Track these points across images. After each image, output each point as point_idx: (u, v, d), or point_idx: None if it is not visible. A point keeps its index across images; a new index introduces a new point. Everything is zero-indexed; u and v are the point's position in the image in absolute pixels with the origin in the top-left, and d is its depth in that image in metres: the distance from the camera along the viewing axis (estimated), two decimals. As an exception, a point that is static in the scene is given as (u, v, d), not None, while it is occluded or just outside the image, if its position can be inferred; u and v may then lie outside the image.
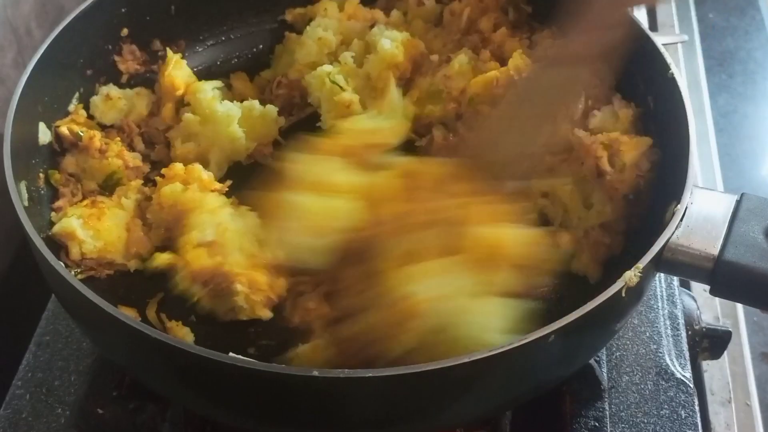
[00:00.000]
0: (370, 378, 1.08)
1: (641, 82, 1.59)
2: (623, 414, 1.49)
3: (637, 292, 1.25)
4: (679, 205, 1.28)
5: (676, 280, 1.71)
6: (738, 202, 1.30)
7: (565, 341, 1.16)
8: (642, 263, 1.21)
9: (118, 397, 1.46)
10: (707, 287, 1.58)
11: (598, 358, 1.53)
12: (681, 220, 1.27)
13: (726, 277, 1.25)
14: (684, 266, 1.28)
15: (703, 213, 1.29)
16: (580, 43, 1.38)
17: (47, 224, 1.52)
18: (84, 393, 1.48)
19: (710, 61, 2.47)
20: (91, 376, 1.50)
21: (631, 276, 1.19)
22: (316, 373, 1.08)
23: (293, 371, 1.12)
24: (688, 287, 1.83)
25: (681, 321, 1.64)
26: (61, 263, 1.24)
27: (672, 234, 1.25)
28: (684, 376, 1.54)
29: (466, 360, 1.08)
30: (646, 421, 1.48)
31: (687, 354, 1.59)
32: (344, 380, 1.09)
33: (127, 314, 1.18)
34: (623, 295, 1.19)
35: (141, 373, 1.35)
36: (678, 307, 1.66)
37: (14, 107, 1.43)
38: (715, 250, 1.26)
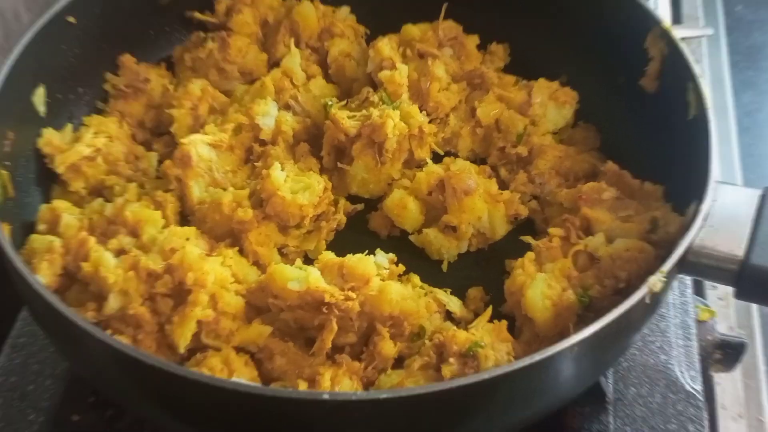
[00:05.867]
0: (386, 399, 1.04)
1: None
2: (628, 428, 1.42)
3: (659, 298, 1.21)
4: (702, 204, 1.22)
5: (689, 288, 1.64)
6: (762, 197, 1.25)
7: (586, 353, 1.12)
8: (666, 267, 1.16)
9: (95, 403, 1.40)
10: (722, 296, 1.53)
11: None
12: (704, 219, 1.22)
13: (752, 280, 1.21)
14: (708, 269, 1.24)
15: (726, 210, 1.25)
16: None
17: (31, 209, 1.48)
18: (59, 398, 1.41)
19: (736, 57, 2.37)
20: (67, 381, 1.43)
21: (655, 281, 1.15)
22: (326, 396, 1.05)
23: (302, 395, 1.11)
24: (703, 295, 1.76)
25: (693, 331, 1.57)
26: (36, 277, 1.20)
27: (695, 235, 1.20)
28: (694, 388, 1.47)
29: (486, 377, 1.05)
30: (652, 436, 1.41)
31: (698, 365, 1.52)
32: (357, 403, 1.05)
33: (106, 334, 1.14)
34: (647, 301, 1.15)
35: (122, 397, 1.29)
36: (691, 315, 1.59)
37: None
38: (740, 252, 1.21)
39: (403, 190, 1.58)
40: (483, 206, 1.54)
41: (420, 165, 1.62)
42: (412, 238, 1.56)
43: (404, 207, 1.56)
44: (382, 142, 1.56)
